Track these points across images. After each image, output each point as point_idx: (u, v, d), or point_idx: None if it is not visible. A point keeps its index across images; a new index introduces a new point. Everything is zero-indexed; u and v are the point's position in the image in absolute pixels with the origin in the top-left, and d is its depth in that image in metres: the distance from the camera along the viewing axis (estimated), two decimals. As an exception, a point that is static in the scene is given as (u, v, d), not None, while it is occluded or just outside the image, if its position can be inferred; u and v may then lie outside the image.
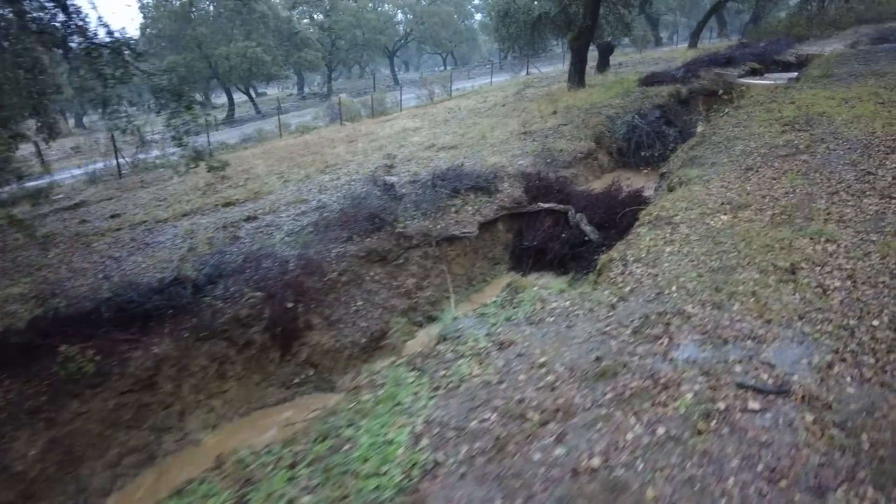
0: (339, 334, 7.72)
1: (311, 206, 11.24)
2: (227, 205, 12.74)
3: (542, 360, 4.24)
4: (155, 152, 26.07)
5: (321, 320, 7.73)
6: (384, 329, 8.07)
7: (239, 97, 48.18)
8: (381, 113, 31.47)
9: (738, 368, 3.75)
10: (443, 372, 4.30)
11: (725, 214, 6.96)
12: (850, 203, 6.62)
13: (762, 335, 4.13)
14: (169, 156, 25.89)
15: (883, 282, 4.74)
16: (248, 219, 11.14)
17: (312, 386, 7.57)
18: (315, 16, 57.43)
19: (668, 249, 6.26)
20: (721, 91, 14.09)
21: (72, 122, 67.16)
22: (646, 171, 12.77)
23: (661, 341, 4.20)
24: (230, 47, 40.39)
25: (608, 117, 14.29)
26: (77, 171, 22.71)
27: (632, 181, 11.13)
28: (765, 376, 3.64)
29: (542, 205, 10.23)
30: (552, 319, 5.04)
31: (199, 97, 66.05)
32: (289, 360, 7.52)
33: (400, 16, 63.63)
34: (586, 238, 9.84)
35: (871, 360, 3.71)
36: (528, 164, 11.74)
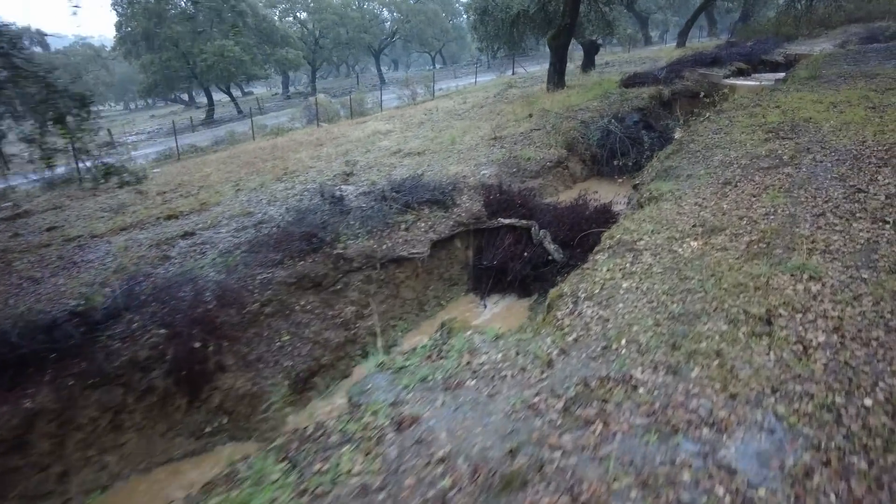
0: (257, 376, 6.74)
1: (254, 221, 10.26)
2: (170, 217, 11.74)
3: (445, 450, 3.28)
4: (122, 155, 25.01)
5: (236, 360, 6.74)
6: (313, 368, 7.10)
7: (230, 96, 46.94)
8: (360, 114, 30.51)
9: (686, 477, 2.81)
10: (318, 465, 3.34)
11: (696, 240, 6.03)
12: (837, 228, 5.72)
13: (723, 419, 3.20)
14: (135, 159, 24.94)
15: (876, 338, 3.82)
16: (186, 235, 10.13)
17: (227, 435, 6.59)
18: (299, 14, 56.27)
19: (625, 285, 5.33)
20: (703, 94, 13.21)
21: None
22: (620, 180, 11.85)
23: (594, 427, 3.25)
24: (207, 46, 39.17)
25: (582, 122, 13.36)
26: (38, 175, 21.65)
27: (601, 193, 10.21)
28: (720, 491, 2.71)
29: (502, 220, 9.29)
30: (474, 383, 4.09)
31: (183, 97, 64.78)
32: (198, 406, 6.53)
33: (386, 14, 62.49)
34: (550, 257, 8.91)
35: (863, 465, 2.78)
36: (492, 175, 10.79)
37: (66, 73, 59.20)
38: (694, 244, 5.93)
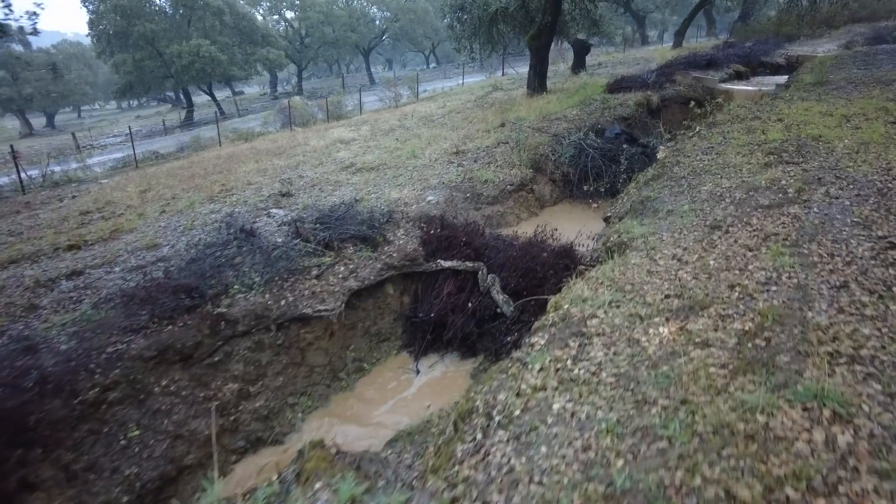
0: (83, 493, 5.01)
1: (155, 257, 8.58)
2: (71, 248, 10.04)
3: None
4: (73, 164, 23.33)
5: (56, 472, 5.01)
6: (168, 473, 5.37)
7: (212, 97, 45.23)
8: (338, 117, 28.85)
9: None
10: None
11: (668, 323, 4.30)
12: (868, 312, 3.98)
13: None
14: (87, 168, 23.21)
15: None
16: (73, 274, 8.44)
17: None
18: (284, 12, 54.47)
19: (557, 406, 3.60)
20: (693, 103, 11.46)
21: (42, 120, 64.05)
22: (595, 205, 10.11)
23: None
24: (182, 45, 37.40)
25: (555, 135, 11.61)
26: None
27: (568, 224, 8.48)
28: None
29: (442, 263, 7.56)
30: None
31: (171, 96, 63.05)
32: (-5, 540, 4.81)
33: (376, 11, 60.62)
34: (498, 310, 7.19)
35: None
36: (441, 201, 9.06)
37: (48, 72, 57.41)
38: (664, 331, 4.19)
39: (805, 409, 3.12)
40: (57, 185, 20.38)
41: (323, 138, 18.42)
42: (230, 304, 6.43)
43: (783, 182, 6.78)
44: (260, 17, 51.34)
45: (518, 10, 18.63)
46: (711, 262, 5.24)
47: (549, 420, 3.49)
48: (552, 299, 5.22)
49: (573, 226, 8.77)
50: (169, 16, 40.81)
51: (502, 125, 14.49)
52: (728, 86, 17.25)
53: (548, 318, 4.87)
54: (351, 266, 7.32)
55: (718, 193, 6.95)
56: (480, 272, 7.47)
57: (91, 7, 38.42)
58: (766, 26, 32.60)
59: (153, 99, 73.33)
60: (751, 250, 5.30)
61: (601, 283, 5.18)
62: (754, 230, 5.68)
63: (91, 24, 39.79)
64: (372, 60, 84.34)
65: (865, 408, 3.08)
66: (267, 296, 6.59)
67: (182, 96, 60.30)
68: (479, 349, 7.29)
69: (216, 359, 6.12)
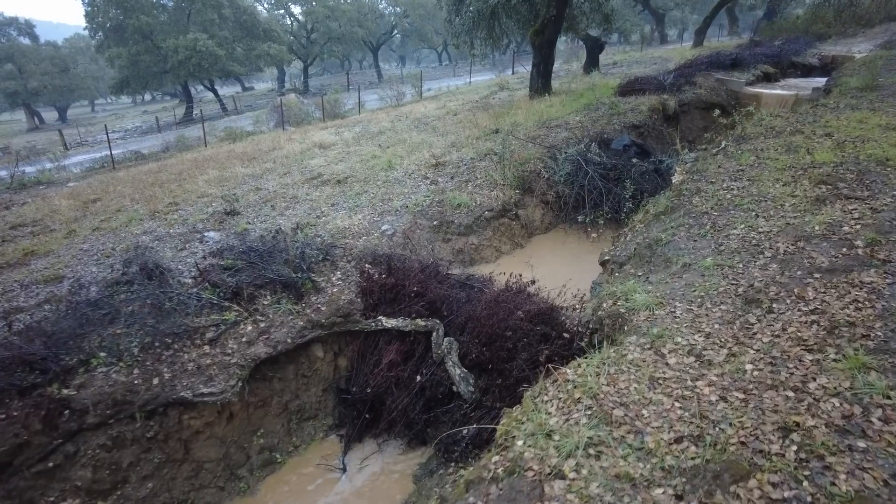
0: None
1: (42, 298, 6.99)
2: (-30, 273, 8.52)
3: None
4: (48, 164, 22.02)
5: None
6: None
7: (214, 92, 43.97)
8: (335, 116, 27.28)
9: None
10: None
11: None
12: None
13: None
14: (63, 168, 21.90)
15: None
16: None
17: None
18: (290, 6, 52.96)
19: None
20: (718, 111, 9.50)
21: (54, 114, 63.43)
22: (595, 235, 8.25)
23: None
24: (179, 40, 36.03)
25: (551, 147, 9.74)
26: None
27: (551, 267, 6.63)
28: None
29: (384, 321, 5.79)
30: None
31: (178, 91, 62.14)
32: None
33: (385, 5, 58.83)
34: (455, 389, 5.42)
35: None
36: (397, 232, 7.28)
37: (54, 66, 56.63)
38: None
39: None
40: (23, 188, 19.05)
41: (304, 141, 16.76)
42: (83, 383, 4.73)
43: (845, 228, 4.90)
44: (265, 12, 49.97)
45: (521, 2, 16.74)
46: (748, 368, 3.41)
47: None
48: (501, 425, 3.42)
49: (563, 264, 6.95)
50: (168, 9, 39.48)
51: (496, 131, 12.67)
52: (756, 89, 15.20)
53: (488, 465, 3.08)
54: (263, 324, 5.59)
55: (754, 241, 5.09)
56: (435, 333, 5.69)
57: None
58: (795, 24, 30.21)
59: (165, 94, 72.64)
60: (810, 350, 3.46)
61: (579, 399, 3.37)
62: (812, 312, 3.82)
63: (88, 16, 38.60)
64: (385, 57, 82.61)
65: None
66: (136, 371, 4.88)
67: (183, 92, 59.25)
68: (430, 436, 5.53)
69: (51, 464, 4.43)
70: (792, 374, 3.28)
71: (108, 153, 21.56)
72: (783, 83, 17.42)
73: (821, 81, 15.38)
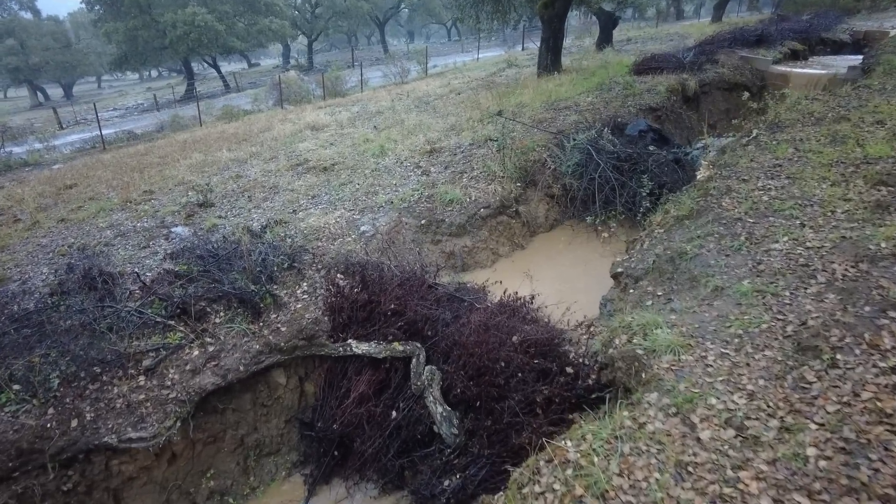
0: None
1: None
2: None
3: None
4: (37, 144, 21.23)
5: None
6: None
7: (216, 69, 42.86)
8: (336, 94, 26.21)
9: None
10: None
11: None
12: None
13: None
14: (53, 149, 21.22)
15: None
16: None
17: None
18: (294, -20, 51.13)
19: None
20: (747, 94, 8.38)
21: (59, 91, 62.46)
22: (606, 234, 7.28)
23: None
24: (177, 14, 34.83)
25: (558, 133, 8.71)
26: None
27: (556, 271, 5.71)
28: None
29: (355, 346, 4.93)
30: None
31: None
32: None
33: (392, -20, 56.69)
34: (436, 429, 4.58)
35: None
36: (378, 232, 6.38)
37: (56, 41, 55.59)
38: None
39: None
40: (9, 170, 18.38)
41: (297, 122, 15.79)
42: (-18, 427, 3.94)
43: (919, 246, 3.93)
44: (267, -15, 48.25)
45: (530, -28, 15.49)
46: (811, 455, 2.51)
47: None
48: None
49: (569, 271, 6.02)
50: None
51: (499, 113, 11.61)
52: (785, 68, 13.93)
53: None
54: (212, 348, 4.75)
55: (801, 260, 4.14)
56: (415, 360, 4.83)
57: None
58: (821, -2, 28.40)
59: (172, 70, 71.34)
60: (889, 422, 2.55)
61: (581, 498, 2.50)
62: (894, 371, 2.90)
63: (84, -11, 37.42)
64: (394, 32, 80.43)
65: None
66: (50, 412, 4.08)
67: (185, 68, 57.94)
68: (408, 479, 4.73)
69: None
70: (877, 470, 2.38)
71: (93, 135, 20.76)
72: (813, 61, 16.08)
73: (856, 59, 14.08)
